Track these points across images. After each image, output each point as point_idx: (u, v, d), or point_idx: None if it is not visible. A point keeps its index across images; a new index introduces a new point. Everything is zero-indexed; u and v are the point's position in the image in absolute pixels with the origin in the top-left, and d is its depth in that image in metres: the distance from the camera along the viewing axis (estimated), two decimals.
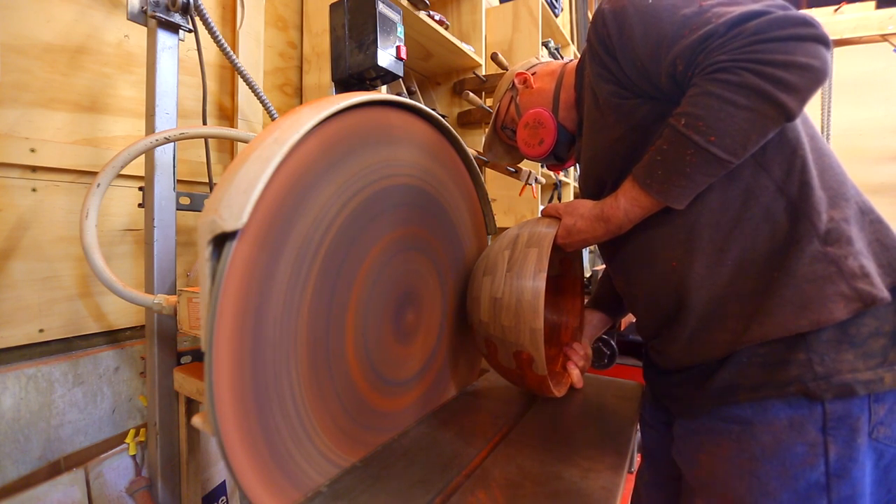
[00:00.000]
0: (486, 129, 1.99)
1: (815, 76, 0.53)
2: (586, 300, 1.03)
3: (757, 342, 0.62)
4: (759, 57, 0.53)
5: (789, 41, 0.53)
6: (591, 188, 0.79)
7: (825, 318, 0.58)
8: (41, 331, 0.88)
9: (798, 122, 0.64)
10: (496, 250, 0.79)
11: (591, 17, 4.19)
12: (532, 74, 0.93)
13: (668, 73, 0.60)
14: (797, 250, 0.60)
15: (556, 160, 0.93)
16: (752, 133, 0.56)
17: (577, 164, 0.92)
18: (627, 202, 0.68)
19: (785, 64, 0.53)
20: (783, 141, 0.63)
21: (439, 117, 0.81)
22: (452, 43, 1.64)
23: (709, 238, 0.65)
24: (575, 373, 0.86)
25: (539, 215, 0.84)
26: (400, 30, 1.01)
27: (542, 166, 2.32)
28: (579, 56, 0.85)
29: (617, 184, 0.72)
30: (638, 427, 0.86)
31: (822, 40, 0.53)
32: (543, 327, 0.70)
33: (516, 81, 0.95)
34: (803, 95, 0.54)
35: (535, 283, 0.70)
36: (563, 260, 1.04)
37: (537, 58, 1.01)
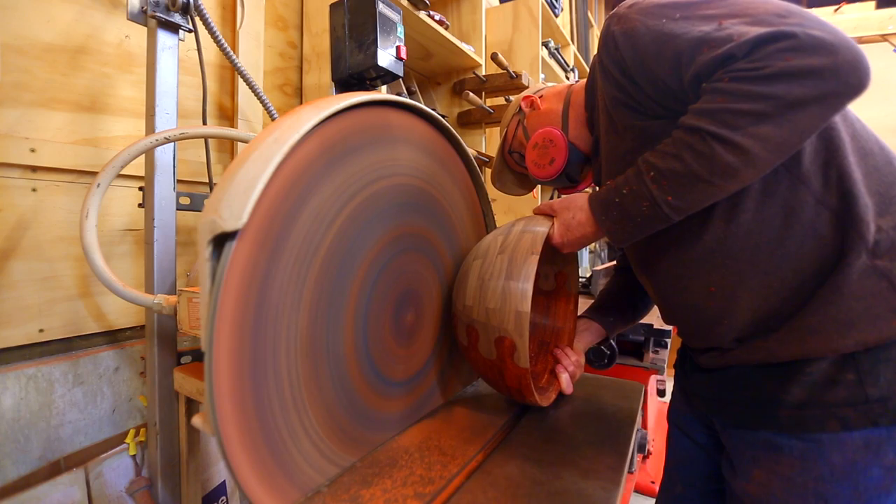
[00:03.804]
0: (488, 128, 2.00)
1: (806, 129, 0.51)
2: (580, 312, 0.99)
3: (799, 359, 0.59)
4: (753, 108, 0.51)
5: (806, 79, 0.49)
6: None
7: (874, 337, 0.55)
8: (41, 331, 0.88)
9: (838, 121, 0.60)
10: (489, 237, 0.77)
11: (591, 20, 4.18)
12: (539, 97, 0.91)
13: (693, 87, 0.58)
14: (844, 265, 0.57)
15: (568, 181, 0.89)
16: (708, 202, 0.58)
17: (596, 188, 0.88)
18: (581, 225, 0.70)
19: (777, 117, 0.50)
20: (818, 149, 0.59)
21: (439, 117, 0.81)
22: (452, 43, 1.64)
23: (750, 261, 0.61)
24: (564, 377, 0.83)
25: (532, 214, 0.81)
26: (400, 30, 1.01)
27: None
28: (587, 75, 0.82)
29: None
30: (638, 427, 0.86)
31: (843, 72, 0.48)
32: (531, 339, 0.67)
33: (523, 105, 0.92)
34: (775, 156, 0.53)
35: (526, 265, 0.68)
36: (558, 274, 0.99)
37: (545, 83, 1.00)
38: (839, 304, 0.56)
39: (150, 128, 0.87)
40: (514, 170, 1.02)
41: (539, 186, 1.84)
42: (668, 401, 0.95)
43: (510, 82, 1.81)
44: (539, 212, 0.78)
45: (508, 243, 0.72)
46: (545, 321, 0.98)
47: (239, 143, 1.17)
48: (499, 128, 1.03)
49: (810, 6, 4.20)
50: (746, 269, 0.62)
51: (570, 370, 0.85)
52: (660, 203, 0.59)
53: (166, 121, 0.88)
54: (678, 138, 0.57)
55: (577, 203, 0.72)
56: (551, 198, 2.45)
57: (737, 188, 0.56)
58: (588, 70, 0.82)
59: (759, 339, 0.63)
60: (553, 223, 0.74)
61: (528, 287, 0.67)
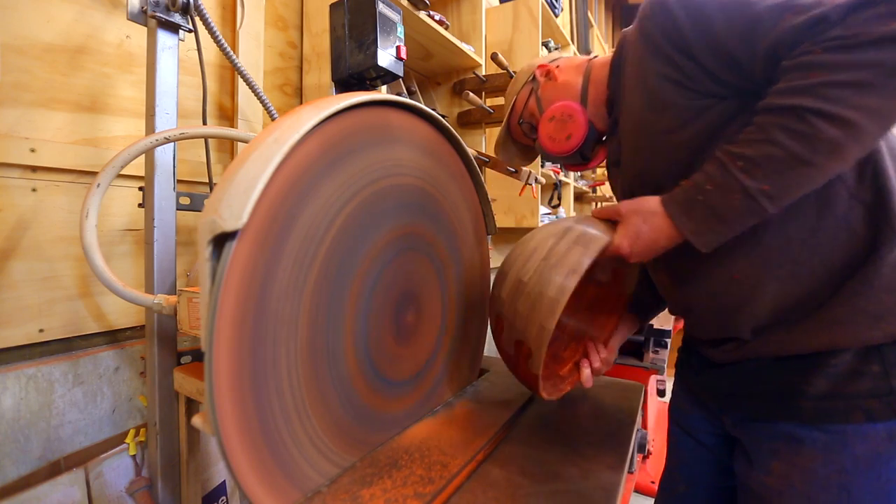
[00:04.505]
0: (488, 128, 1.99)
1: None
2: None
3: (824, 350, 0.59)
4: (854, 78, 0.47)
5: None
6: (645, 192, 0.72)
7: None
8: (41, 331, 0.88)
9: None
10: (543, 234, 0.73)
11: (591, 20, 4.17)
12: (556, 67, 0.87)
13: (767, 59, 0.55)
14: (876, 258, 0.56)
15: (581, 159, 0.86)
16: (808, 188, 0.54)
17: (608, 168, 0.86)
18: (653, 231, 0.63)
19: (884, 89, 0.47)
20: None
21: (439, 117, 0.81)
22: (452, 43, 1.64)
23: (780, 250, 0.60)
24: (585, 372, 0.82)
25: (591, 214, 0.76)
26: (400, 30, 1.01)
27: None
28: (614, 52, 0.78)
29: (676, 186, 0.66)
30: (638, 427, 0.86)
31: None
32: (567, 328, 0.67)
33: (538, 73, 0.88)
34: (881, 128, 0.49)
35: (564, 281, 0.65)
36: (616, 269, 0.95)
37: (558, 52, 0.97)
38: (869, 296, 0.57)
39: (150, 128, 0.87)
40: (517, 140, 0.98)
41: (539, 187, 1.84)
42: (668, 401, 0.95)
43: (510, 82, 1.81)
44: (603, 215, 0.72)
45: (556, 252, 0.68)
46: (590, 313, 0.95)
47: (239, 143, 1.17)
48: (504, 99, 0.97)
49: None
50: (775, 258, 0.61)
51: (594, 366, 0.83)
52: (754, 194, 0.54)
53: (166, 121, 0.88)
54: (765, 123, 0.54)
55: (649, 206, 0.65)
56: (551, 197, 2.44)
57: (840, 169, 0.53)
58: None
59: (780, 330, 0.62)
60: (616, 230, 0.68)
61: (560, 304, 0.64)
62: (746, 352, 0.66)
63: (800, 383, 0.60)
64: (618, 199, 0.86)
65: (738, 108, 0.60)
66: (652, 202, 0.65)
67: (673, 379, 0.91)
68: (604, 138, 0.85)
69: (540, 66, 0.89)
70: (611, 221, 0.70)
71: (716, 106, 0.60)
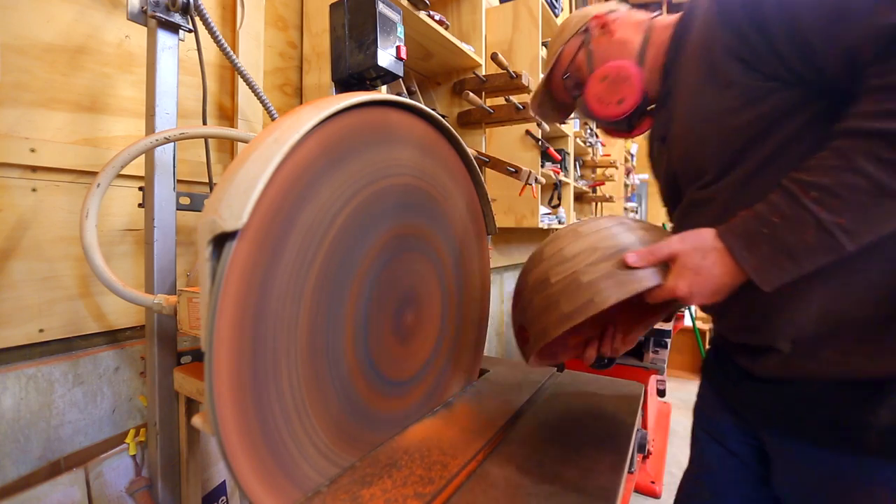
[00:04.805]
0: (488, 128, 1.99)
1: None
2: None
3: (888, 377, 0.54)
4: None
5: None
6: (686, 176, 0.68)
7: None
8: (41, 331, 0.88)
9: None
10: (592, 241, 0.67)
11: None
12: (613, 20, 0.78)
13: (845, 57, 0.49)
14: None
15: (626, 126, 0.79)
16: (889, 226, 0.48)
17: (651, 143, 0.80)
18: (714, 267, 0.56)
19: None
20: None
21: (439, 117, 0.81)
22: (452, 43, 1.64)
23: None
24: (590, 353, 0.79)
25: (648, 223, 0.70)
26: (400, 30, 1.01)
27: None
28: (679, 16, 0.71)
29: (720, 176, 0.61)
30: (638, 427, 0.86)
31: None
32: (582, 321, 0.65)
33: (592, 25, 0.80)
34: None
35: (582, 307, 0.62)
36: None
37: (618, 2, 0.84)
38: None
39: (150, 128, 0.87)
40: (555, 96, 0.90)
41: (539, 187, 1.84)
42: (668, 401, 0.94)
43: (510, 82, 1.81)
44: (652, 262, 0.61)
45: (592, 271, 0.63)
46: (627, 304, 0.86)
47: (239, 143, 1.17)
48: (548, 48, 0.90)
49: None
50: (829, 265, 0.54)
51: (601, 351, 0.80)
52: (830, 228, 0.48)
53: (166, 121, 0.88)
54: (846, 148, 0.48)
55: (706, 241, 0.58)
56: (551, 197, 2.44)
57: None
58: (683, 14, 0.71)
59: (829, 349, 0.57)
60: (671, 269, 0.61)
61: (569, 324, 0.63)
62: (793, 370, 0.60)
63: (862, 412, 0.55)
64: (658, 180, 0.82)
65: (800, 98, 0.55)
66: (707, 235, 0.58)
67: (700, 383, 0.86)
68: (650, 107, 0.79)
69: (596, 17, 0.80)
70: (660, 265, 0.63)
71: (779, 91, 0.55)
